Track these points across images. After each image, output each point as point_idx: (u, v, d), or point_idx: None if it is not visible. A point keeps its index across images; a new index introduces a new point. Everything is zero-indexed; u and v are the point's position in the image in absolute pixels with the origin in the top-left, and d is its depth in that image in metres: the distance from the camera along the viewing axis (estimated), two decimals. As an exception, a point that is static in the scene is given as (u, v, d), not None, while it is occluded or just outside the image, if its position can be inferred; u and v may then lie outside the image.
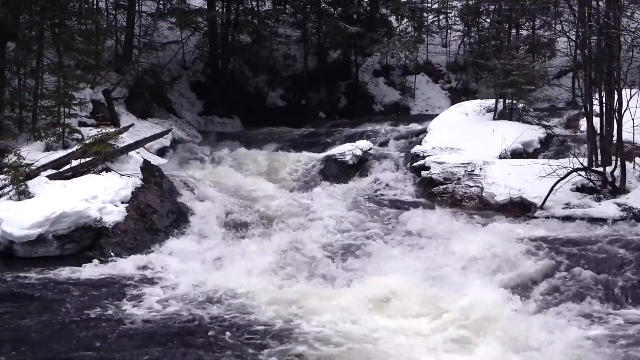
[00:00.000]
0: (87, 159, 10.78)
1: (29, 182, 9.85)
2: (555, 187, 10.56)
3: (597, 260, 8.26)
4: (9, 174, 9.99)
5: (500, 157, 12.62)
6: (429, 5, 26.16)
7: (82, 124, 13.15)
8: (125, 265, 8.78)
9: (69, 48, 13.89)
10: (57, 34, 13.60)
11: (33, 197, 9.64)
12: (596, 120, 11.32)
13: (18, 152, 10.59)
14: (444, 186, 12.01)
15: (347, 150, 13.57)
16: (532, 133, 13.44)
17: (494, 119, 14.71)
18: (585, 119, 11.96)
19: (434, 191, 12.04)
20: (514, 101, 14.68)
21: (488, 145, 12.94)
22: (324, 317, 6.91)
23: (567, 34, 12.93)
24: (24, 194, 9.64)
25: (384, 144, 15.12)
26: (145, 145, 13.13)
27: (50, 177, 10.30)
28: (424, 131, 14.90)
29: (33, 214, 9.02)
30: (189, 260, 9.06)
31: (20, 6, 12.86)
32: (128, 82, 16.64)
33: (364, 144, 13.87)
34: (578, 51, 13.25)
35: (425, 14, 25.60)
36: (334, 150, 13.88)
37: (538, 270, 8.24)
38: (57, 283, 7.96)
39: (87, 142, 10.94)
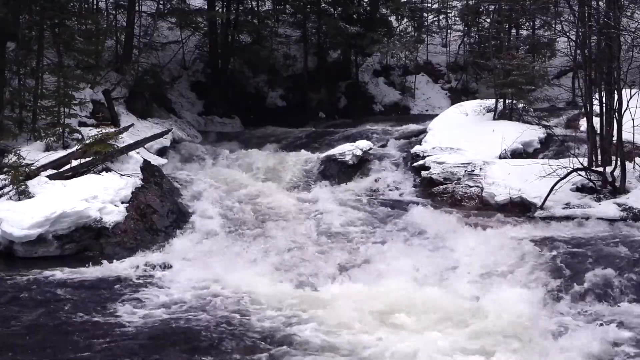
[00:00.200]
0: (87, 159, 10.79)
1: (29, 182, 9.86)
2: (555, 187, 10.55)
3: (597, 260, 8.25)
4: (9, 174, 10.00)
5: (500, 157, 12.62)
6: (429, 5, 26.15)
7: (82, 124, 13.14)
8: (125, 266, 8.78)
9: (69, 48, 13.89)
10: (57, 34, 13.60)
11: (33, 197, 9.65)
12: (596, 120, 11.31)
13: (18, 152, 10.60)
14: (444, 186, 12.01)
15: (347, 150, 13.55)
16: (532, 133, 13.43)
17: (494, 119, 14.71)
18: (585, 119, 11.95)
19: (434, 191, 12.03)
20: (514, 101, 14.67)
21: (488, 145, 12.94)
22: (324, 321, 6.89)
23: (567, 34, 12.92)
24: (24, 194, 9.65)
25: (384, 144, 15.12)
26: (145, 145, 13.13)
27: (50, 177, 10.30)
28: (424, 131, 14.90)
29: (33, 214, 9.03)
30: (189, 260, 9.05)
31: (20, 6, 12.86)
32: (128, 82, 16.63)
33: (364, 144, 13.86)
34: (578, 51, 13.24)
35: (425, 14, 25.59)
36: (334, 150, 13.87)
37: (538, 270, 8.23)
38: (56, 283, 7.96)
39: (87, 142, 10.95)
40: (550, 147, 13.43)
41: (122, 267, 8.71)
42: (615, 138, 10.94)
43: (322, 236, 9.86)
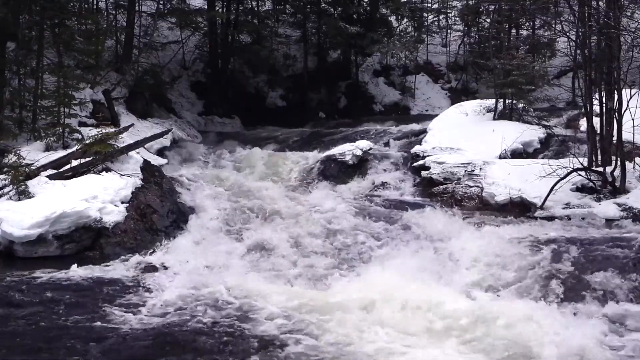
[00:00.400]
0: (87, 159, 10.78)
1: (29, 182, 9.85)
2: (555, 187, 10.56)
3: (597, 260, 8.24)
4: (9, 174, 9.99)
5: (500, 157, 12.62)
6: (429, 5, 26.17)
7: (82, 124, 13.15)
8: (125, 266, 8.76)
9: (69, 48, 13.89)
10: (57, 34, 13.60)
11: (33, 197, 9.64)
12: (596, 120, 11.31)
13: (18, 152, 10.59)
14: (444, 186, 12.01)
15: (347, 150, 13.56)
16: (532, 133, 13.44)
17: (494, 119, 14.72)
18: (585, 119, 11.95)
19: (434, 191, 12.04)
20: (514, 101, 14.68)
21: (488, 145, 12.95)
22: (325, 322, 6.88)
23: (567, 34, 12.93)
24: (24, 194, 9.64)
25: (384, 144, 15.12)
26: (145, 145, 13.14)
27: (50, 177, 10.30)
28: (424, 131, 14.91)
29: (33, 214, 9.02)
30: (189, 260, 9.04)
31: (20, 6, 12.86)
32: (128, 82, 16.64)
33: (364, 144, 13.86)
34: (578, 51, 13.25)
35: (425, 14, 25.62)
36: (334, 150, 13.87)
37: (538, 270, 8.22)
38: (56, 283, 7.94)
39: (87, 142, 10.95)
40: (550, 147, 13.45)
41: (122, 267, 8.69)
42: (615, 138, 10.95)
43: (322, 236, 9.86)
